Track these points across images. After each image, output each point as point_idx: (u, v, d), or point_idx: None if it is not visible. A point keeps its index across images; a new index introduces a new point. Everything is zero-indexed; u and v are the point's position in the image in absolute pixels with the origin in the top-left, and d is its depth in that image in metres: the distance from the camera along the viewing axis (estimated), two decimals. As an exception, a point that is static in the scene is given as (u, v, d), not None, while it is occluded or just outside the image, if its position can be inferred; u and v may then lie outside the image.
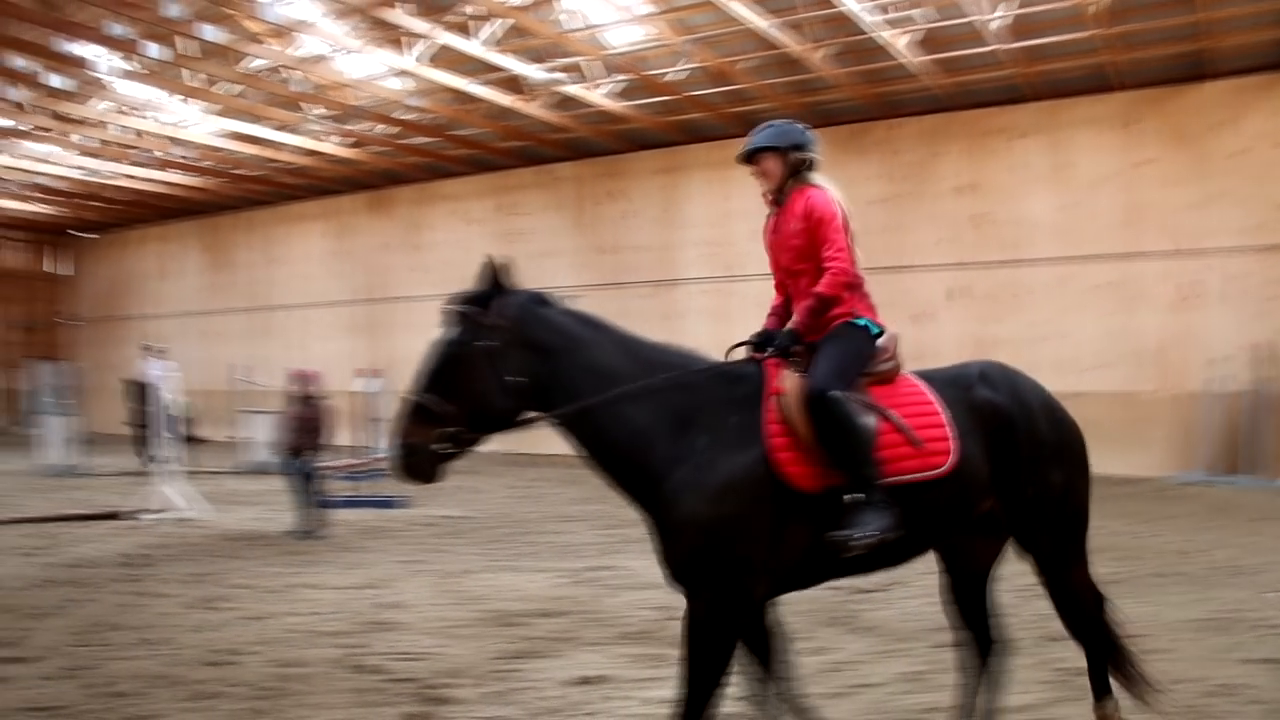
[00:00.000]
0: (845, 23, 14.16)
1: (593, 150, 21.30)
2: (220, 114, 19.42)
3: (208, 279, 29.54)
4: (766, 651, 4.09)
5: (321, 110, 19.39)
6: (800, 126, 4.24)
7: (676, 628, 6.38)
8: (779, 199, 4.15)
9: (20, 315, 32.09)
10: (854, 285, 4.05)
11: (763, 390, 3.80)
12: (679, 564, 3.66)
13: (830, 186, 4.14)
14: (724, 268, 19.85)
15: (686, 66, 16.32)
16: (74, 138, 21.34)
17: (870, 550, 3.60)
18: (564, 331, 3.77)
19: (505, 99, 17.69)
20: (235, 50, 16.21)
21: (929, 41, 15.20)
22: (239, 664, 5.83)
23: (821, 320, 3.99)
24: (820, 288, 3.96)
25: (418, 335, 26.08)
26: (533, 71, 16.42)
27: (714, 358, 4.02)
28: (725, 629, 3.64)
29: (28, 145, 21.96)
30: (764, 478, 3.62)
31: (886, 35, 14.40)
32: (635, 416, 3.72)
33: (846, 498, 3.62)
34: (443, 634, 6.59)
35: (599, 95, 17.54)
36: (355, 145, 21.73)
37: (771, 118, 4.56)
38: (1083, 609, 4.22)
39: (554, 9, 14.61)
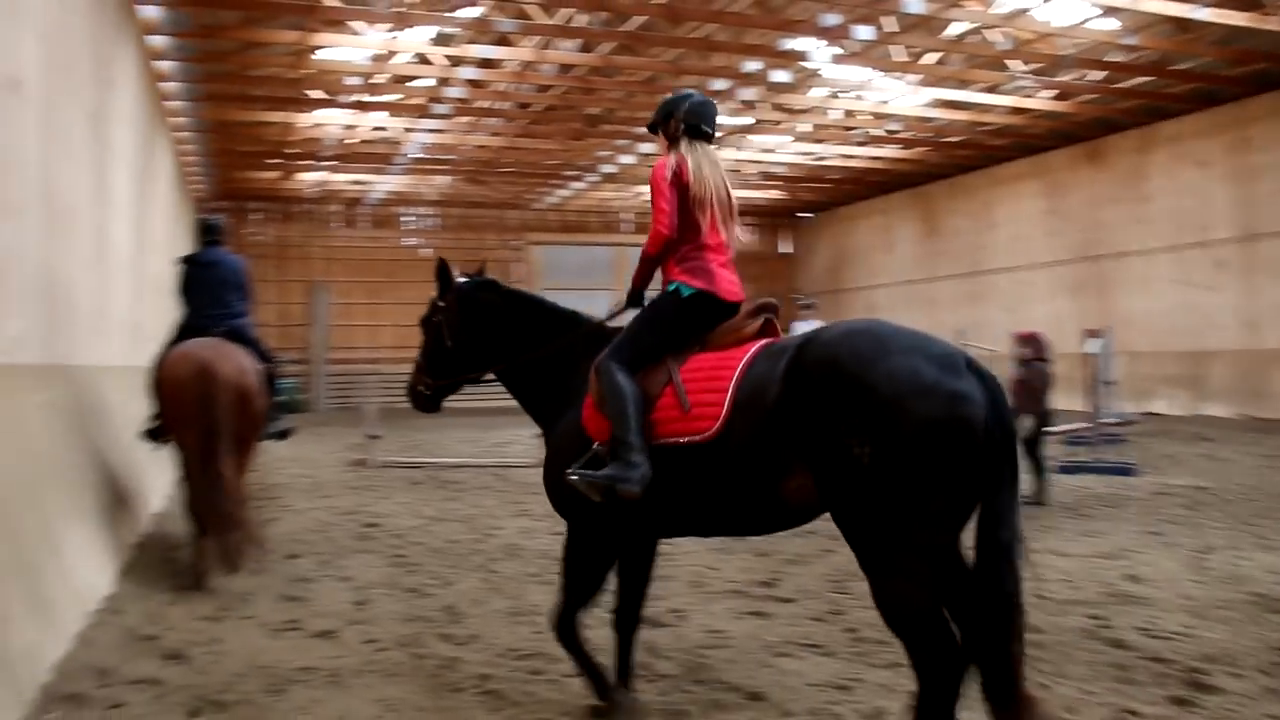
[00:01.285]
0: None
1: (1355, 64, 18.16)
2: (926, 84, 19.83)
3: (922, 247, 30.41)
4: (632, 591, 4.49)
5: (1026, 65, 18.92)
6: (681, 94, 4.50)
7: None
8: None
9: (755, 293, 35.66)
10: (671, 247, 4.28)
11: None
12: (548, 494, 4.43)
13: (683, 152, 4.31)
14: None
15: None
16: (794, 126, 23.22)
17: (606, 496, 3.90)
18: (487, 309, 4.82)
19: (1237, 19, 15.77)
20: (936, 18, 16.42)
21: None
22: (981, 624, 5.87)
23: (648, 280, 4.42)
24: (643, 248, 4.34)
25: (1143, 292, 24.72)
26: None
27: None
28: (580, 553, 4.36)
29: (757, 139, 24.39)
30: (578, 431, 4.21)
31: None
32: (535, 376, 4.68)
33: (594, 446, 4.08)
34: (1195, 614, 6.05)
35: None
36: (1064, 97, 20.86)
37: None
38: (898, 631, 3.46)
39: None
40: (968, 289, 28.28)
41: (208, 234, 8.15)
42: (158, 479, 9.93)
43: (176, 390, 7.03)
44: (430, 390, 4.96)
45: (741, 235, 4.45)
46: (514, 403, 4.85)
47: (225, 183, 28.57)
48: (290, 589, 6.89)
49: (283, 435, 8.38)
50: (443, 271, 4.98)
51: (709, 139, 4.44)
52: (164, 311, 14.89)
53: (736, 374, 3.85)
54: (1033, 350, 10.89)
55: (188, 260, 7.97)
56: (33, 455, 5.90)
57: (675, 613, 6.19)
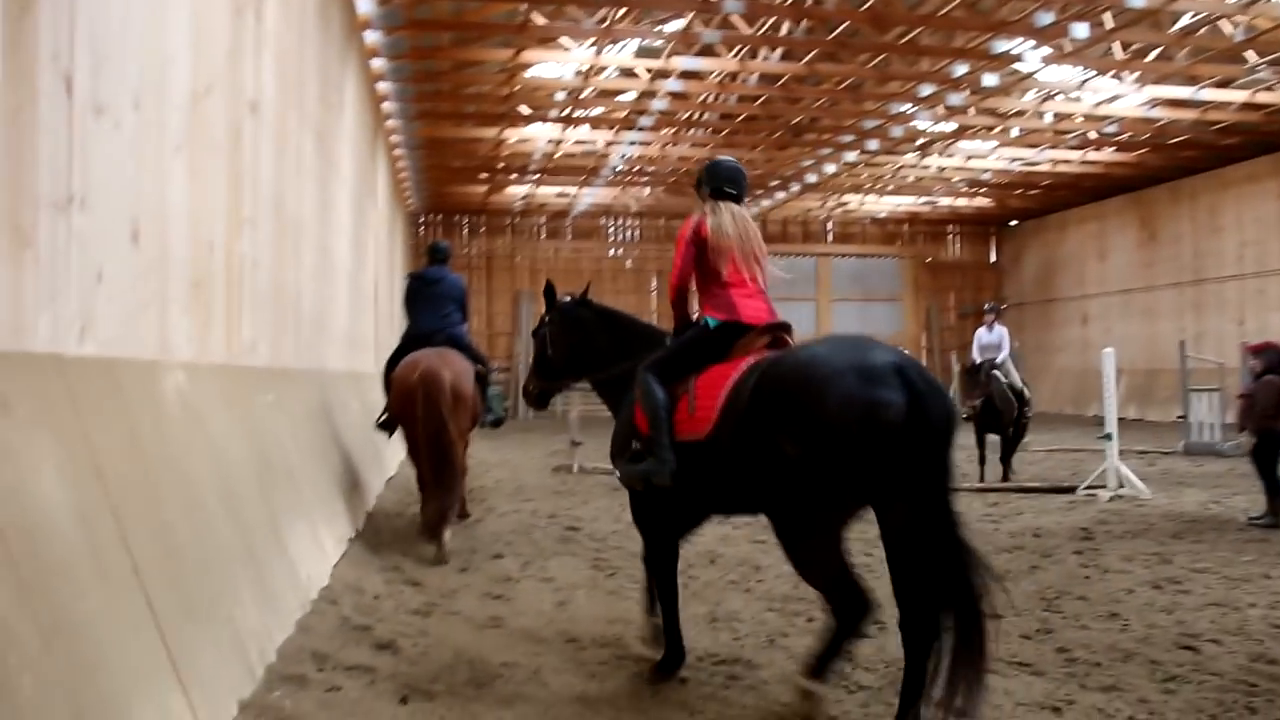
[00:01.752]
0: None
1: None
2: (1148, 82, 18.81)
3: (1140, 255, 28.87)
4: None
5: (1264, 57, 17.68)
6: (711, 162, 5.35)
7: None
8: None
9: (962, 302, 34.65)
10: (683, 291, 5.14)
11: None
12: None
13: (706, 212, 5.09)
14: None
15: None
16: (1004, 131, 22.40)
17: (644, 484, 4.74)
18: (578, 325, 5.80)
19: None
20: (1161, 11, 15.54)
21: None
22: (1208, 651, 5.50)
23: (680, 320, 5.23)
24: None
25: (1392, 301, 22.13)
26: None
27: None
28: (643, 527, 5.30)
29: (965, 145, 23.67)
30: (632, 423, 4.93)
31: None
32: (612, 385, 5.53)
33: (634, 445, 4.86)
34: None
35: None
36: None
37: None
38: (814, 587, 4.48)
39: None
40: (1190, 298, 26.65)
41: (435, 255, 9.54)
42: (373, 477, 10.40)
43: (406, 391, 8.30)
44: (537, 391, 6.11)
45: (772, 271, 5.14)
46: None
47: (436, 196, 29.80)
48: (495, 588, 7.09)
49: (495, 424, 9.78)
50: (548, 292, 6.03)
51: (734, 198, 5.18)
52: (378, 320, 15.71)
53: (728, 384, 4.50)
54: (1266, 362, 10.14)
55: (416, 277, 9.41)
56: (261, 452, 6.27)
57: (877, 624, 6.03)
